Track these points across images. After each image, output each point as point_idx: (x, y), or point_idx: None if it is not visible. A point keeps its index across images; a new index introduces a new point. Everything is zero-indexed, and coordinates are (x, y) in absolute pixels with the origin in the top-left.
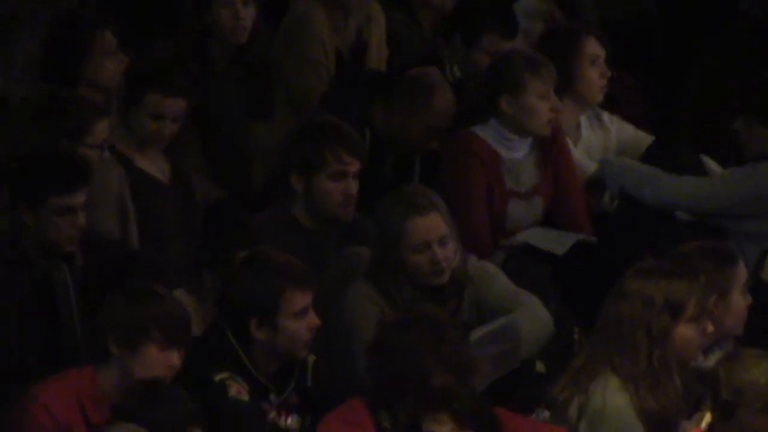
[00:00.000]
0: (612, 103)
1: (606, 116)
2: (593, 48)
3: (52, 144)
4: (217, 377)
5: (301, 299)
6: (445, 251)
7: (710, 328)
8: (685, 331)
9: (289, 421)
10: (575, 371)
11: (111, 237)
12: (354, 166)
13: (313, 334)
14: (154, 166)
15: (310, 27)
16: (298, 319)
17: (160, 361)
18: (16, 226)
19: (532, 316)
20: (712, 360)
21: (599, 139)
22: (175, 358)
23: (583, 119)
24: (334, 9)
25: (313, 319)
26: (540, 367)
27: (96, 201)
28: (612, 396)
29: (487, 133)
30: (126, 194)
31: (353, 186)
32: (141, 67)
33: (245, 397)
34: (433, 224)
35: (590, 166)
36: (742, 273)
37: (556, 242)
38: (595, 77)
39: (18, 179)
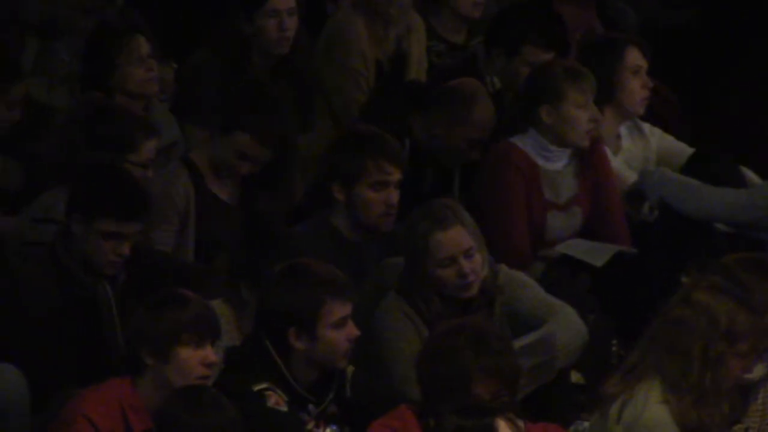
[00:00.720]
0: (651, 114)
1: (646, 127)
2: (636, 58)
3: (96, 156)
4: (256, 387)
5: (341, 309)
6: (472, 264)
7: (752, 374)
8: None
9: (328, 431)
10: (628, 368)
11: (163, 248)
12: (395, 176)
13: (352, 345)
14: (225, 189)
15: (350, 38)
16: (337, 330)
17: (194, 361)
18: (61, 236)
19: (566, 326)
20: (755, 373)
21: (639, 150)
22: (210, 353)
23: (623, 130)
24: (374, 20)
25: (352, 330)
26: (576, 377)
27: (159, 210)
28: (651, 406)
29: (526, 143)
30: (191, 210)
31: (394, 196)
32: (239, 102)
33: (284, 407)
34: (456, 237)
35: (630, 177)
36: None
37: (595, 253)
38: (636, 88)
39: (78, 187)
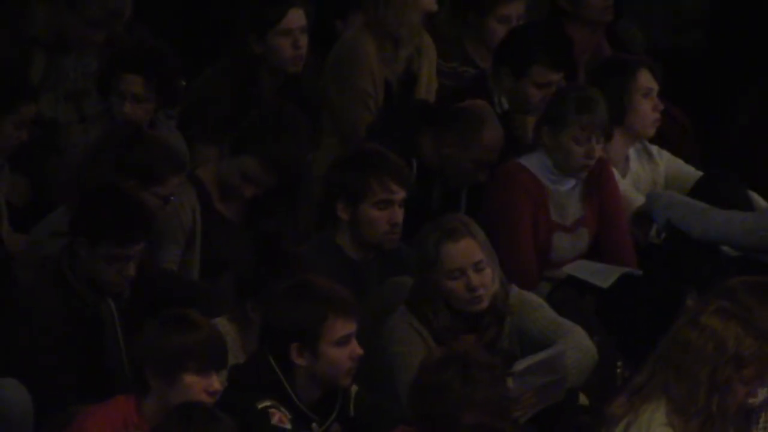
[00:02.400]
0: (660, 136)
1: (655, 149)
2: (647, 81)
3: (120, 182)
4: (260, 405)
5: (344, 327)
6: (481, 277)
7: (756, 398)
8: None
9: None
10: (634, 389)
11: (169, 265)
12: (400, 195)
13: (355, 364)
14: (231, 208)
15: (359, 57)
16: (340, 348)
17: (199, 388)
18: (66, 254)
19: (576, 346)
20: (758, 397)
21: (648, 173)
22: (214, 382)
23: (631, 152)
24: (383, 40)
25: (355, 349)
26: (583, 399)
27: (166, 227)
28: (655, 429)
29: (533, 164)
30: (197, 228)
31: (399, 214)
32: (248, 129)
33: (287, 425)
34: (466, 249)
35: (637, 200)
36: None
37: (601, 275)
38: (647, 110)
39: (80, 211)
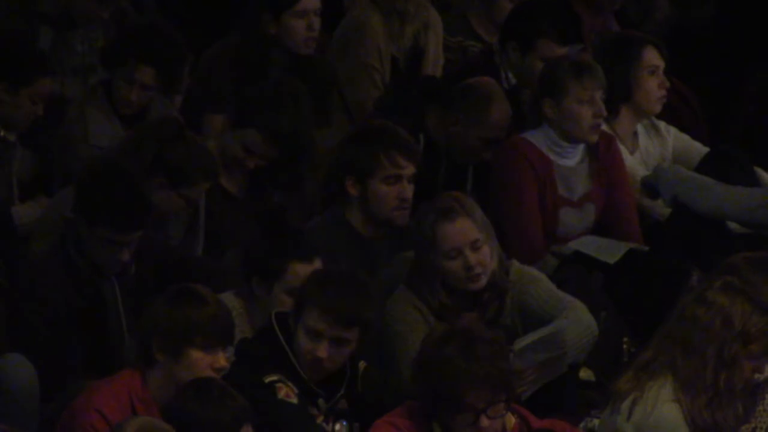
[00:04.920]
0: (667, 113)
1: (663, 125)
2: (652, 58)
3: (150, 176)
4: (267, 379)
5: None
6: (479, 256)
7: (762, 374)
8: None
9: (338, 427)
10: (641, 365)
11: (172, 241)
12: (409, 170)
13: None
14: (235, 182)
15: (366, 33)
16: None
17: (204, 364)
18: (70, 236)
19: (577, 321)
20: (765, 372)
21: (656, 149)
22: (220, 359)
23: (640, 128)
24: (390, 16)
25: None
26: (587, 374)
27: None
28: (661, 405)
29: (539, 139)
30: (201, 203)
31: (408, 190)
32: (250, 101)
33: (294, 399)
34: (463, 229)
35: (645, 175)
36: None
37: (608, 251)
38: (653, 87)
39: (82, 192)
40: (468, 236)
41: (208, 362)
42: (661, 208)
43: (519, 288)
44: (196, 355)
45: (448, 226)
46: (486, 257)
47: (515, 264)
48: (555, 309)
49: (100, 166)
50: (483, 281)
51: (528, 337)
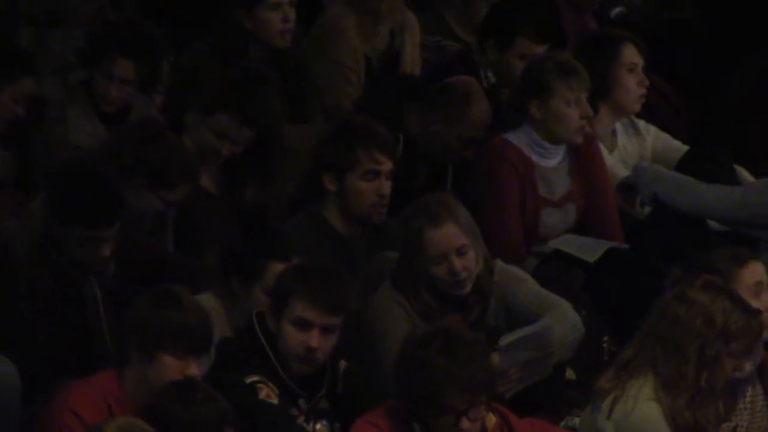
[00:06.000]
0: (647, 111)
1: (642, 124)
2: (631, 56)
3: (129, 177)
4: (248, 380)
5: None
6: (464, 261)
7: (746, 368)
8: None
9: (318, 427)
10: (622, 363)
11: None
12: (386, 166)
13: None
14: (209, 179)
15: (341, 32)
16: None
17: (175, 370)
18: (48, 237)
19: (563, 320)
20: (745, 370)
21: (635, 147)
22: (192, 368)
23: (618, 127)
24: (363, 15)
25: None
26: (568, 373)
27: None
28: (642, 404)
29: (520, 139)
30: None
31: (386, 186)
32: (224, 82)
33: (275, 400)
34: (449, 235)
35: (624, 174)
36: (749, 275)
37: (588, 250)
38: (632, 85)
39: (53, 193)
40: (454, 242)
41: (180, 368)
42: (640, 207)
43: (504, 288)
44: (168, 360)
45: (435, 232)
46: (471, 262)
47: (500, 264)
48: (541, 308)
49: (69, 165)
50: (468, 287)
51: (514, 334)
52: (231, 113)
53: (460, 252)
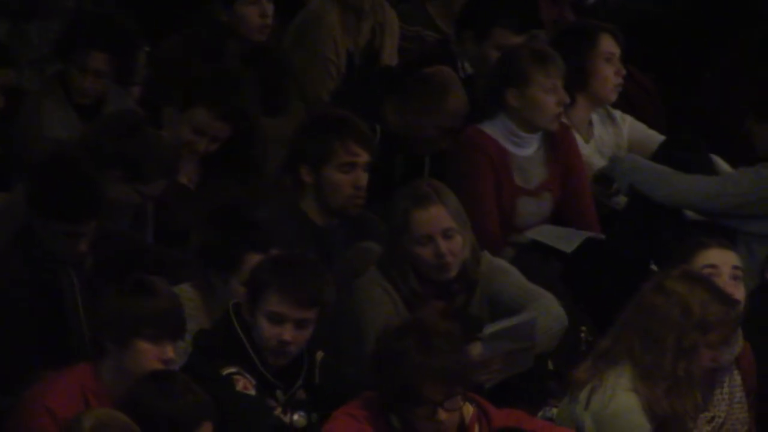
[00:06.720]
0: (624, 102)
1: (618, 114)
2: (609, 45)
3: (106, 170)
4: (225, 371)
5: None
6: (450, 244)
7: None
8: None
9: (296, 417)
10: (600, 354)
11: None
12: (363, 158)
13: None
14: (186, 173)
15: (323, 25)
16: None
17: (152, 355)
18: (26, 229)
19: (546, 312)
20: (722, 360)
21: (611, 137)
22: (168, 351)
23: (594, 117)
24: (346, 11)
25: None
26: (549, 364)
27: None
28: (619, 394)
29: (495, 129)
30: None
31: (363, 178)
32: (200, 77)
33: (252, 391)
34: (436, 216)
35: (600, 164)
36: (703, 259)
37: (565, 240)
38: (609, 75)
39: (33, 186)
40: (440, 224)
41: (156, 354)
42: (616, 197)
43: (489, 279)
44: (143, 346)
45: (422, 213)
46: (457, 247)
47: (486, 255)
48: (525, 300)
49: (48, 158)
50: (453, 271)
51: (498, 324)
52: (208, 106)
53: (446, 235)
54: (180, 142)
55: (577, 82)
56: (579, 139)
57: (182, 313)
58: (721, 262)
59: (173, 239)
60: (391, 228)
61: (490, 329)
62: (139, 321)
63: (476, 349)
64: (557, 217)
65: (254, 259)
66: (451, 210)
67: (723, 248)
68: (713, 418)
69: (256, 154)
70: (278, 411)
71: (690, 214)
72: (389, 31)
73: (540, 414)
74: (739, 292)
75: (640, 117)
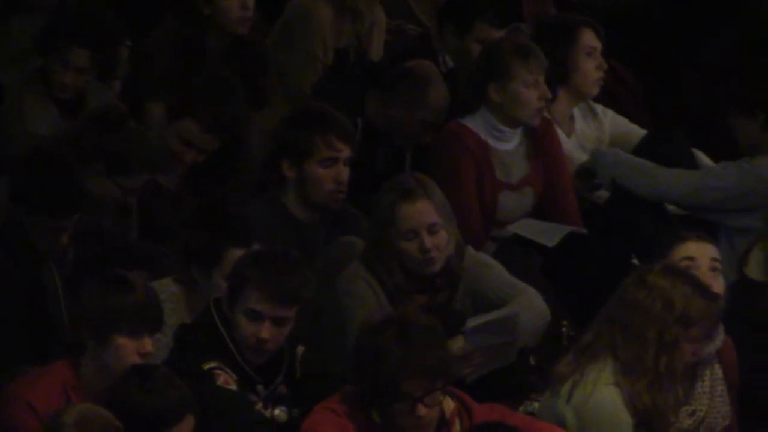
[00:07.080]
0: (607, 96)
1: (600, 108)
2: (590, 40)
3: (88, 163)
4: (206, 366)
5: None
6: (435, 239)
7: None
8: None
9: (277, 412)
10: (581, 348)
11: (102, 223)
12: (345, 152)
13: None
14: (171, 180)
15: (312, 23)
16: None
17: (130, 350)
18: (9, 223)
19: (530, 307)
20: (703, 353)
21: (593, 132)
22: (146, 345)
23: (576, 111)
24: (341, 12)
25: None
26: (531, 359)
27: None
28: (601, 388)
29: (477, 124)
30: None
31: (344, 173)
32: (186, 92)
33: (233, 386)
34: (421, 211)
35: (582, 159)
36: (681, 252)
37: (547, 234)
38: (591, 69)
39: (16, 180)
40: (426, 218)
41: (134, 348)
42: (598, 192)
43: (473, 274)
44: (122, 341)
45: (407, 207)
46: (442, 241)
47: (470, 250)
48: (508, 295)
49: (32, 153)
50: (438, 266)
51: (481, 318)
52: (198, 119)
53: (432, 230)
54: (166, 142)
55: (559, 76)
56: (561, 133)
57: (159, 306)
58: (699, 254)
59: (158, 236)
60: (376, 221)
61: (472, 322)
62: (117, 316)
63: (458, 343)
64: (539, 212)
65: (236, 253)
66: (437, 205)
67: (701, 241)
68: (694, 411)
69: (242, 166)
70: (259, 405)
71: (672, 208)
72: (377, 30)
73: (521, 408)
74: (718, 285)
75: (621, 111)
